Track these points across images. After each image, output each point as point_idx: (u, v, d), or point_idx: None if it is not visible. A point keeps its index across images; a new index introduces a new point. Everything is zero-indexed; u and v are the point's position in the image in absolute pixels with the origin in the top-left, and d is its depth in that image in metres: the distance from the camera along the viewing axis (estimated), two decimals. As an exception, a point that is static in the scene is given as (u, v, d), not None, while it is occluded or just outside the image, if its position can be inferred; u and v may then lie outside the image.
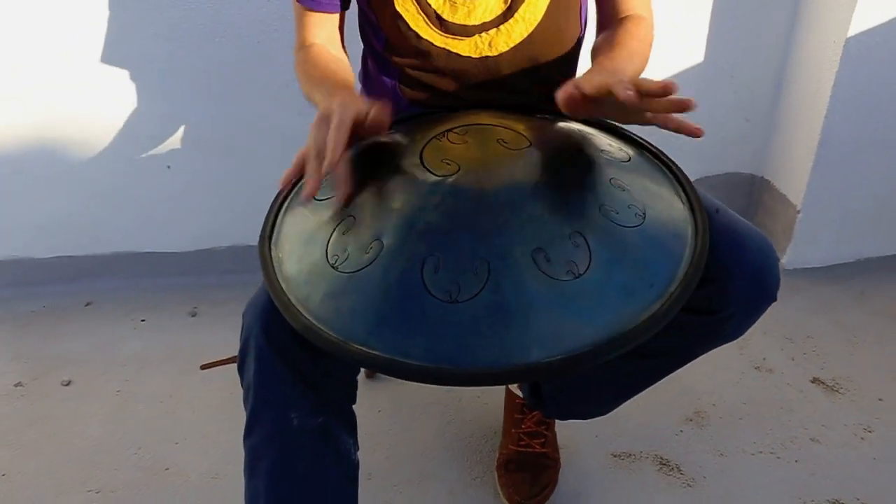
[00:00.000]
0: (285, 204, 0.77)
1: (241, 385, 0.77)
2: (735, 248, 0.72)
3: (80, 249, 1.59)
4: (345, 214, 0.68)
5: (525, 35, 0.85)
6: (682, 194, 0.73)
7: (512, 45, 0.86)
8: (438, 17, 0.84)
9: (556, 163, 0.71)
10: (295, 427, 0.73)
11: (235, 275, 1.62)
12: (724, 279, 0.71)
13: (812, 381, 1.31)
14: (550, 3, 0.84)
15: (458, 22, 0.84)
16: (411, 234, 0.63)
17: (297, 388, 0.72)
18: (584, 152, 0.74)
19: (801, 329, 1.45)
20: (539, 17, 0.84)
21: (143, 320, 1.53)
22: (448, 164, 0.70)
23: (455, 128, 0.77)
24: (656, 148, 0.78)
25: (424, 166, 0.70)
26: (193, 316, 1.54)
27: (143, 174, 1.53)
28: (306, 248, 0.68)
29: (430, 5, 0.83)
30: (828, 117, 1.41)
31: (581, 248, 0.61)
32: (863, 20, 1.31)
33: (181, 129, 1.50)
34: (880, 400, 1.26)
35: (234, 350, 1.39)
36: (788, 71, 1.52)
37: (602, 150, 0.75)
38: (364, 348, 0.58)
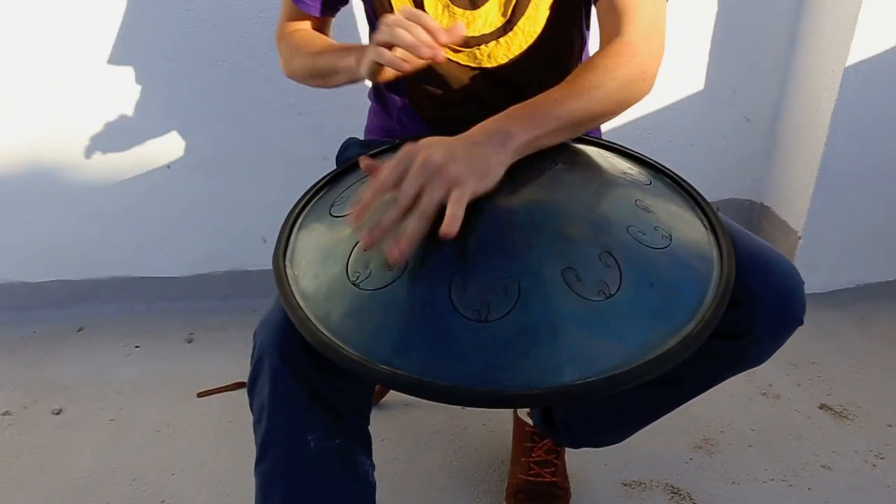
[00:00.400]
0: (299, 220, 0.75)
1: (251, 409, 0.74)
2: (760, 272, 0.71)
3: (74, 273, 1.55)
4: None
5: (524, 48, 0.85)
6: (704, 218, 0.72)
7: (511, 57, 0.85)
8: None
9: (582, 183, 0.70)
10: (312, 450, 0.70)
11: (233, 300, 1.60)
12: (750, 303, 0.70)
13: (820, 408, 1.30)
14: (550, 16, 0.84)
15: None
16: (437, 251, 0.61)
17: (314, 409, 0.70)
18: (607, 173, 0.73)
19: (805, 355, 1.44)
20: (538, 30, 0.84)
21: (137, 346, 1.49)
22: None
23: None
24: (673, 172, 0.78)
25: None
26: (190, 342, 1.50)
27: (139, 196, 1.50)
28: (324, 264, 0.67)
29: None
30: (828, 144, 1.42)
31: (612, 268, 0.60)
32: (861, 49, 1.34)
33: (179, 151, 1.48)
34: (889, 426, 1.25)
35: (232, 377, 1.37)
36: (787, 99, 1.54)
37: (624, 173, 0.75)
38: (389, 367, 0.56)
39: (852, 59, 1.34)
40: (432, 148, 0.60)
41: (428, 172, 0.58)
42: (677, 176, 0.78)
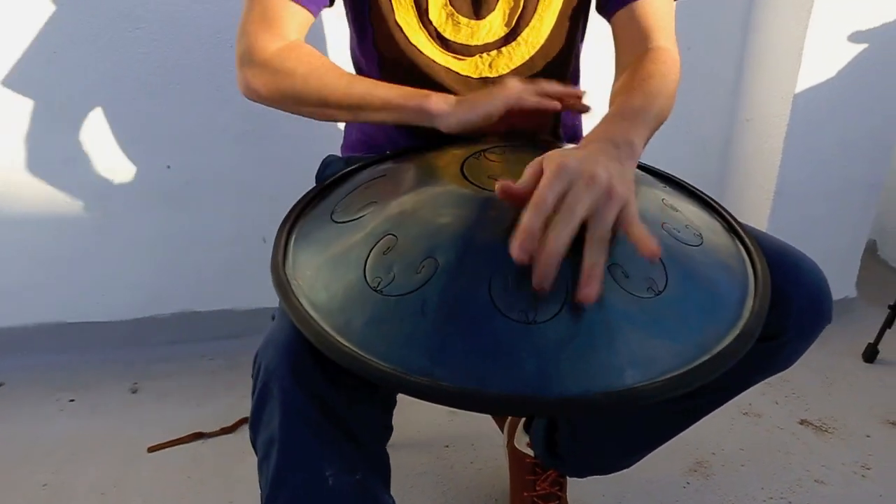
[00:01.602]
0: (295, 229, 0.68)
1: (255, 447, 0.64)
2: (791, 270, 0.69)
3: (-6, 320, 1.37)
4: (382, 233, 0.60)
5: (526, 58, 0.85)
6: (721, 218, 0.72)
7: (513, 66, 0.85)
8: (440, 36, 0.82)
9: None
10: (330, 487, 0.60)
11: (183, 345, 1.45)
12: (783, 302, 0.68)
13: (800, 423, 1.31)
14: (553, 27, 0.84)
15: (460, 41, 0.82)
16: (471, 251, 0.56)
17: (332, 438, 0.61)
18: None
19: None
20: (542, 40, 0.84)
21: (71, 400, 1.31)
22: (495, 180, 0.65)
23: (486, 149, 0.72)
24: (678, 178, 0.78)
25: (469, 181, 0.65)
26: (134, 392, 1.34)
27: (76, 231, 1.36)
28: (335, 272, 0.59)
29: (431, 22, 0.81)
30: (782, 168, 1.48)
31: (655, 264, 0.57)
32: (808, 76, 1.41)
33: (124, 181, 1.36)
34: (868, 436, 1.27)
35: (185, 428, 1.22)
36: (739, 125, 1.61)
37: (642, 175, 0.74)
38: (427, 379, 0.50)
39: (801, 85, 1.42)
40: (586, 163, 0.53)
41: (597, 193, 0.52)
42: (682, 180, 0.77)
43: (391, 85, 0.76)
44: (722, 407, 0.76)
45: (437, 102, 0.73)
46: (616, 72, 0.85)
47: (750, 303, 0.60)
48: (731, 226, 0.71)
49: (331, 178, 0.75)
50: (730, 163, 1.65)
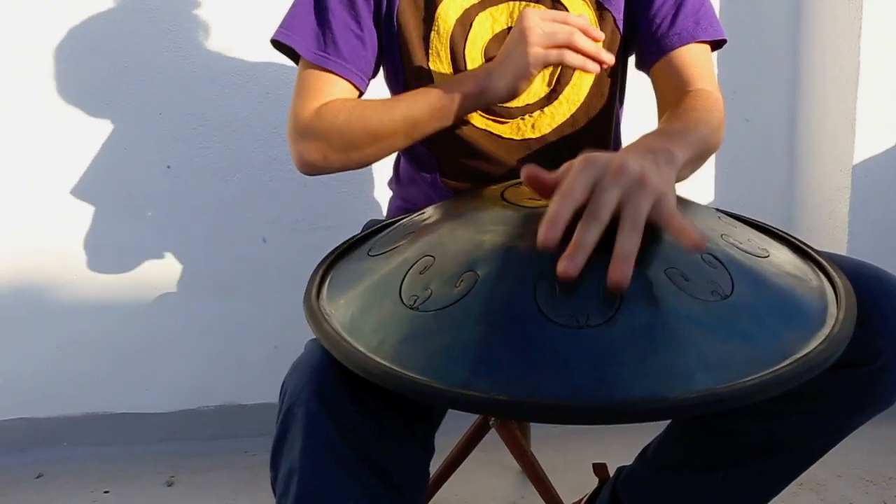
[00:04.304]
0: (333, 268, 0.66)
1: (274, 484, 0.58)
2: (873, 283, 0.62)
3: (40, 410, 1.36)
4: (419, 255, 0.58)
5: (568, 116, 0.84)
6: (786, 243, 0.67)
7: (555, 126, 0.84)
8: None
9: None
10: None
11: (223, 441, 1.40)
12: (871, 318, 0.60)
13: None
14: (594, 83, 0.84)
15: (501, 105, 0.81)
16: (513, 259, 0.53)
17: (360, 475, 0.54)
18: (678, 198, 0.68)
19: (879, 469, 1.28)
20: (582, 97, 0.84)
21: (106, 491, 1.26)
22: (536, 199, 0.62)
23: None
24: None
25: (510, 202, 0.63)
26: (170, 485, 1.28)
27: (125, 322, 1.37)
28: (369, 298, 0.57)
29: None
30: (850, 242, 1.40)
31: (718, 269, 0.53)
32: (864, 148, 1.38)
33: (174, 272, 1.39)
34: None
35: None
36: (798, 204, 1.55)
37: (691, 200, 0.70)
38: (475, 392, 0.45)
39: (858, 157, 1.38)
40: (616, 157, 0.50)
41: (629, 182, 0.48)
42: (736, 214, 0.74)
43: (425, 90, 0.76)
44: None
45: (474, 81, 0.74)
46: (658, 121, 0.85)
47: (833, 310, 0.54)
48: (799, 247, 0.66)
49: (372, 228, 0.74)
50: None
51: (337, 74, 0.80)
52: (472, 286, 0.51)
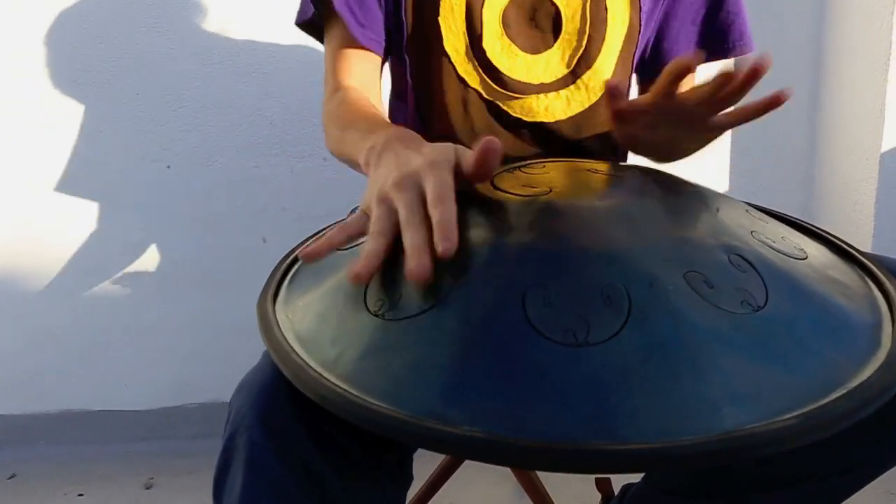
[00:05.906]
0: (295, 264, 0.58)
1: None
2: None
3: (13, 407, 1.29)
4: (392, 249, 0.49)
5: (587, 105, 0.76)
6: (823, 241, 0.58)
7: (571, 114, 0.76)
8: (492, 69, 0.74)
9: (674, 187, 0.57)
10: None
11: (207, 440, 1.32)
12: None
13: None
14: (615, 70, 0.76)
15: (514, 77, 0.74)
16: (499, 260, 0.44)
17: None
18: (696, 184, 0.59)
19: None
20: (602, 85, 0.76)
21: (80, 495, 1.20)
22: (533, 187, 0.54)
23: (524, 165, 0.62)
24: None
25: (501, 190, 0.54)
26: (149, 488, 1.22)
27: (104, 314, 1.30)
28: (330, 300, 0.48)
29: (485, 52, 0.73)
30: (875, 233, 1.32)
31: (748, 273, 0.44)
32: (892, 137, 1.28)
33: (154, 262, 1.32)
34: None
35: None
36: (817, 196, 1.46)
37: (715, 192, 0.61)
38: (441, 425, 0.36)
39: (886, 144, 1.28)
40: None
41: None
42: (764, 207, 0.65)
43: (366, 126, 0.63)
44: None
45: (363, 155, 0.56)
46: None
47: (889, 328, 0.45)
48: (840, 247, 0.57)
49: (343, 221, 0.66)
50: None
51: (363, 47, 0.75)
52: (447, 294, 0.42)
